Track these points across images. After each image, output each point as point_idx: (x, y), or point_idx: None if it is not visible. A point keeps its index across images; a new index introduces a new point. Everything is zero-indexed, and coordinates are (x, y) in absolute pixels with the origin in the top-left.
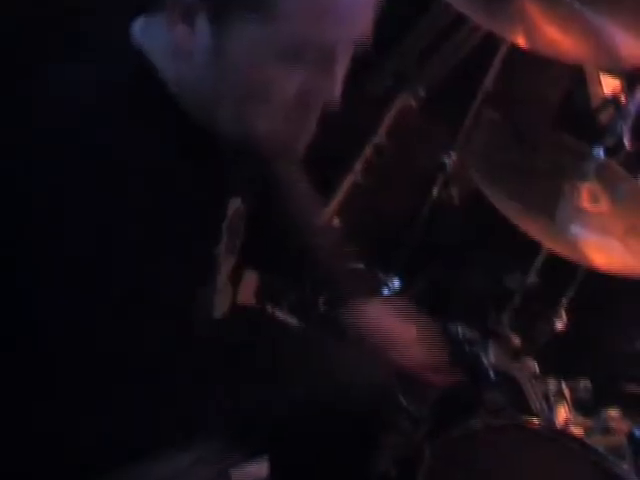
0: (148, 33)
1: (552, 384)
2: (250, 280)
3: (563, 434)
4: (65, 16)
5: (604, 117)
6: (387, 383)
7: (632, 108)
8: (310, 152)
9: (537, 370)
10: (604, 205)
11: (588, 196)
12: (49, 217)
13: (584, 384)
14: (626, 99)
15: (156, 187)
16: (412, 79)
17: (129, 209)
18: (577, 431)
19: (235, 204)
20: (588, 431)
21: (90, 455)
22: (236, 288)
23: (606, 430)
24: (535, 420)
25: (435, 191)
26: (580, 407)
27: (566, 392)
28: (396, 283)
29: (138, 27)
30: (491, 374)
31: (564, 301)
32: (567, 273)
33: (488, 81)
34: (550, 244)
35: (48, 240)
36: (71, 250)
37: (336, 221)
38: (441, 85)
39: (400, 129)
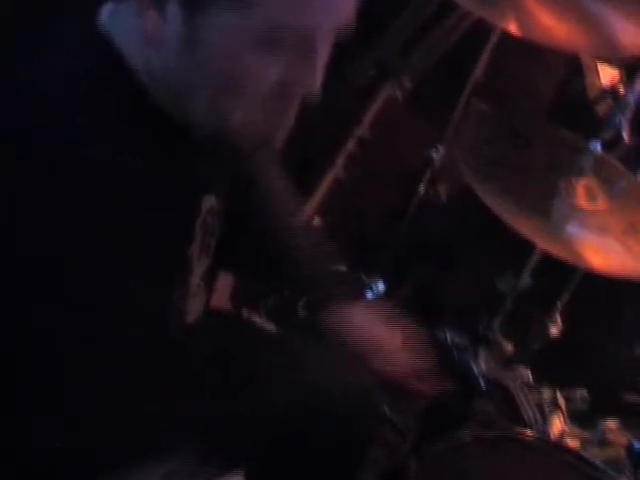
0: (116, 19)
1: (546, 393)
2: (225, 283)
3: (558, 446)
4: (31, 3)
5: (602, 109)
6: (370, 392)
7: (631, 100)
8: (289, 146)
9: (530, 378)
10: (601, 203)
11: (585, 193)
12: (10, 216)
13: (580, 393)
14: (625, 90)
15: (124, 183)
16: (397, 68)
17: (96, 206)
18: (573, 443)
19: (209, 202)
20: (585, 443)
21: (56, 470)
22: (210, 291)
23: (604, 442)
24: (528, 432)
25: (422, 188)
26: (576, 418)
27: (561, 402)
28: (380, 286)
29: (106, 13)
30: (481, 383)
31: (559, 305)
32: (562, 275)
33: (478, 71)
34: (544, 244)
35: (8, 239)
36: (36, 250)
37: (317, 220)
38: (429, 75)
39: (385, 122)
